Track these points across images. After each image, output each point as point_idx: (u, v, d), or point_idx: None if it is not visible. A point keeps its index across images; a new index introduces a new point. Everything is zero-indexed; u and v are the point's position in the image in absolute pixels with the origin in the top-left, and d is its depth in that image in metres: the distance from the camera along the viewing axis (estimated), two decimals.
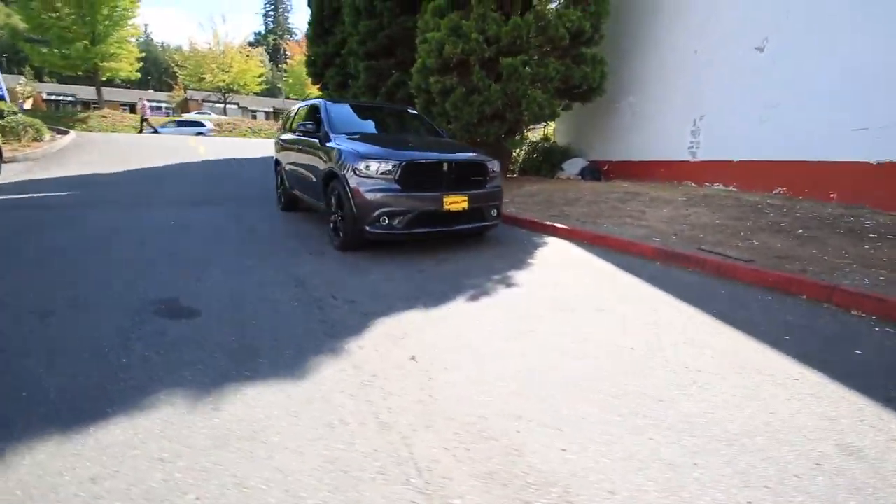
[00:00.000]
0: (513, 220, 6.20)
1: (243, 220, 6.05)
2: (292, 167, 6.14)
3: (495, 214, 4.78)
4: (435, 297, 3.28)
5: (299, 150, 5.77)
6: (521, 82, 8.16)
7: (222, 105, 38.67)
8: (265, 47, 41.50)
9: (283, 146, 6.64)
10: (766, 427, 1.81)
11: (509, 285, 3.60)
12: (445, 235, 4.63)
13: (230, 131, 30.31)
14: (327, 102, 5.54)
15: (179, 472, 1.50)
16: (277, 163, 7.06)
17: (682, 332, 2.74)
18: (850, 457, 1.64)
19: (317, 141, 5.14)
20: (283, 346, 2.44)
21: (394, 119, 5.95)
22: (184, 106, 42.09)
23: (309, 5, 15.82)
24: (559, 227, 5.48)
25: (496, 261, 4.31)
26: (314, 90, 43.06)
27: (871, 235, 4.48)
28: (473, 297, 3.30)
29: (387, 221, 4.13)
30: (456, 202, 4.30)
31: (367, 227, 4.15)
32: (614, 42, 9.45)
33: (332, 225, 4.73)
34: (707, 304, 3.19)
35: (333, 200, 4.60)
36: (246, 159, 14.20)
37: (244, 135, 30.35)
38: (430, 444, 1.68)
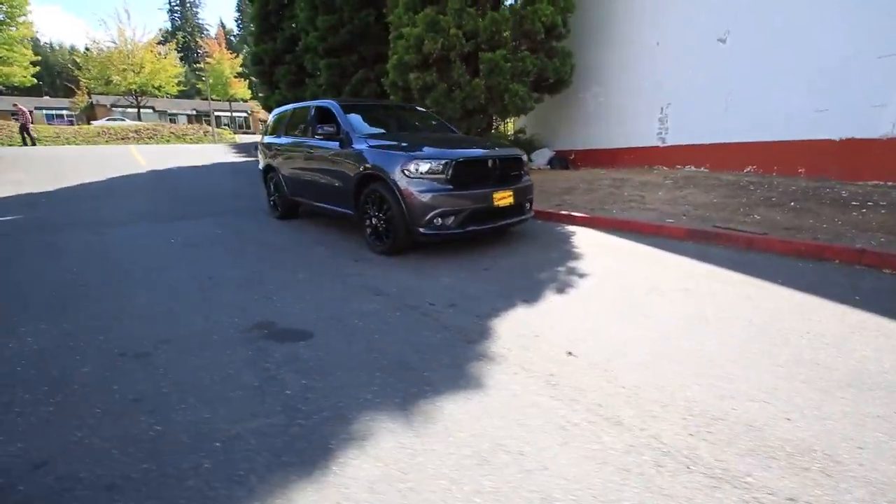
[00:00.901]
0: None
1: (245, 232, 5.63)
2: (296, 173, 5.80)
3: (529, 207, 4.86)
4: (524, 292, 3.30)
5: (308, 157, 5.46)
6: (503, 76, 8.29)
7: (136, 109, 35.20)
8: (175, 45, 38.20)
9: (277, 152, 6.24)
10: None
11: (581, 275, 3.71)
12: (493, 232, 4.63)
13: (150, 138, 27.78)
14: (338, 104, 5.29)
15: (476, 497, 1.42)
16: (269, 170, 6.62)
17: (777, 303, 3.00)
18: None
19: (336, 145, 4.91)
20: (431, 357, 2.35)
21: (405, 117, 5.80)
22: (90, 112, 37.75)
23: (250, 0, 14.85)
24: (577, 216, 5.69)
25: (547, 253, 4.40)
26: (240, 90, 40.63)
27: (854, 203, 5.14)
28: (560, 289, 3.37)
29: (440, 222, 4.06)
30: (504, 198, 4.33)
31: (421, 229, 4.06)
32: (578, 35, 9.86)
33: (369, 230, 4.56)
34: (771, 276, 3.50)
35: (371, 205, 4.44)
36: (193, 168, 13.11)
37: (167, 141, 27.93)
38: (671, 431, 1.73)
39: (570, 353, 2.36)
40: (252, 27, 14.74)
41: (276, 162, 6.31)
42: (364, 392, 2.01)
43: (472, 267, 3.98)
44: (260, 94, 15.15)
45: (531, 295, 3.26)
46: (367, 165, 4.38)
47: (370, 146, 4.50)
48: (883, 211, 4.82)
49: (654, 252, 4.35)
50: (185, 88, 41.31)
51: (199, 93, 45.10)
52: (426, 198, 4.00)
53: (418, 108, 6.30)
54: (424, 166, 4.03)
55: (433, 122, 5.86)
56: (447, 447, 1.66)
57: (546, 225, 5.76)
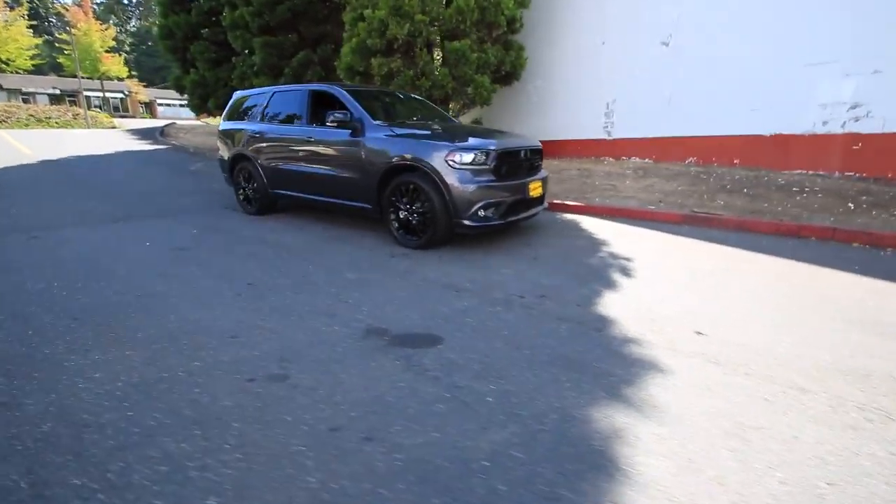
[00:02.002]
0: None
1: (230, 231, 5.00)
2: (281, 165, 5.26)
3: (544, 197, 5.00)
4: (593, 278, 3.43)
5: (302, 146, 4.98)
6: (469, 67, 8.30)
7: None
8: (22, 12, 31.82)
9: (251, 141, 5.58)
10: None
11: (626, 258, 3.93)
12: (519, 222, 4.66)
13: (3, 121, 22.97)
14: (343, 89, 4.88)
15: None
16: (238, 160, 5.90)
17: (807, 275, 3.49)
18: None
19: (345, 134, 4.56)
20: (584, 349, 2.35)
21: (408, 106, 5.53)
22: None
23: None
24: (572, 205, 5.98)
25: (572, 241, 4.58)
26: (114, 66, 35.06)
27: (794, 189, 6.10)
28: (622, 273, 3.55)
29: (484, 213, 4.01)
30: (536, 188, 4.40)
31: (467, 221, 3.97)
32: (528, 29, 10.20)
33: (395, 225, 4.34)
34: (781, 253, 4.05)
35: (399, 198, 4.23)
36: (96, 157, 11.18)
37: (26, 125, 23.37)
38: (856, 389, 1.96)
39: (698, 333, 2.53)
40: None
41: (248, 151, 5.64)
42: (563, 391, 1.96)
43: (519, 257, 4.01)
44: (174, 74, 13.25)
45: (601, 280, 3.39)
46: (401, 156, 4.14)
47: (396, 134, 4.26)
48: (819, 195, 5.80)
49: (665, 236, 4.75)
50: (41, 63, 34.73)
51: (58, 69, 38.08)
52: (472, 188, 3.91)
53: (414, 95, 6.05)
54: (469, 157, 3.93)
55: (432, 111, 5.69)
56: (694, 430, 1.70)
57: (544, 214, 5.96)
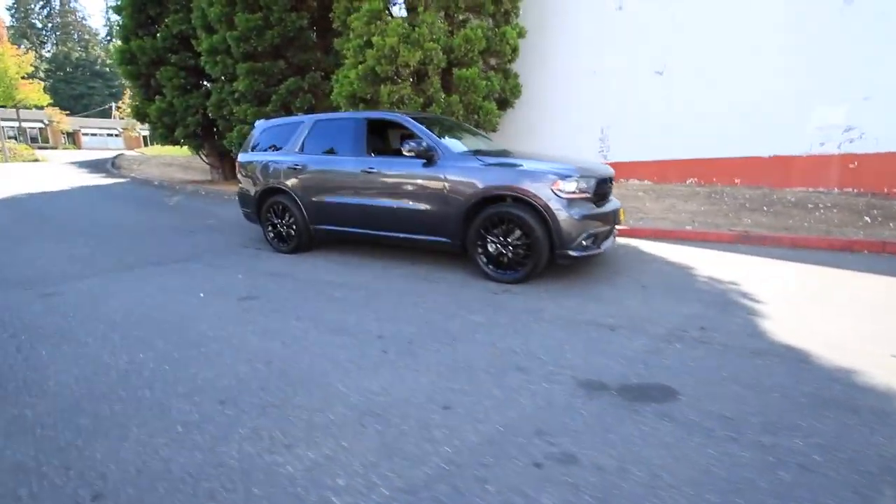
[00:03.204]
0: None
1: (284, 275, 4.48)
2: (334, 199, 4.83)
3: None
4: (732, 308, 3.32)
5: (364, 178, 4.60)
6: (478, 94, 8.29)
7: None
8: None
9: (293, 173, 5.09)
10: None
11: (733, 282, 3.89)
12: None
13: None
14: (409, 117, 4.60)
15: None
16: (269, 194, 5.36)
17: None
18: None
19: (418, 164, 4.28)
20: (828, 392, 2.22)
21: (456, 131, 5.30)
22: None
23: None
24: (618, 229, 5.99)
25: (657, 266, 4.54)
26: (31, 93, 31.81)
27: (809, 206, 6.54)
28: (748, 297, 3.50)
29: (585, 242, 3.86)
30: (622, 213, 4.34)
31: (571, 251, 3.79)
32: (524, 57, 10.44)
33: (484, 259, 4.08)
34: (858, 267, 4.24)
35: (491, 230, 3.99)
36: (56, 194, 9.91)
37: None
38: None
39: (894, 356, 2.50)
40: (121, 19, 11.70)
41: (286, 184, 5.14)
42: (874, 434, 1.80)
43: (623, 286, 3.88)
44: (136, 102, 12.10)
45: (737, 307, 3.32)
46: (497, 186, 3.91)
47: (488, 164, 4.04)
48: (834, 210, 6.25)
49: (735, 257, 4.83)
50: None
51: None
52: (578, 218, 3.76)
53: (459, 121, 5.86)
54: (573, 185, 3.79)
55: (476, 135, 5.51)
56: None
57: None
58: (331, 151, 5.00)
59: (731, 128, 7.95)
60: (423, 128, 4.45)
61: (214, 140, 12.58)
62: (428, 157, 4.26)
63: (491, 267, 4.08)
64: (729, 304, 3.38)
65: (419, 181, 4.31)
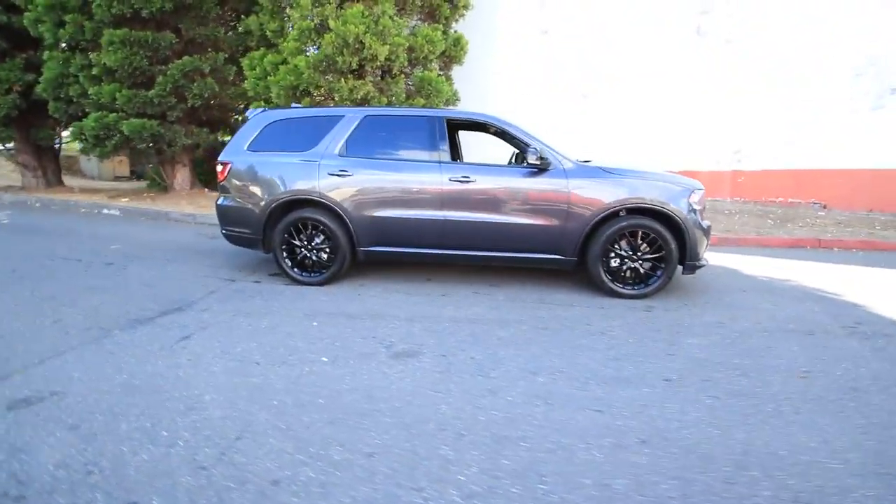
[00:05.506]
0: None
1: (371, 316, 3.42)
2: (401, 214, 3.90)
3: None
4: (851, 305, 3.79)
5: (451, 188, 3.82)
6: (440, 98, 7.82)
7: None
8: None
9: (339, 180, 3.91)
10: None
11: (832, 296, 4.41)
12: None
13: None
14: (501, 119, 3.99)
15: None
16: (289, 208, 4.02)
17: None
18: None
19: (524, 173, 3.84)
20: None
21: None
22: None
23: None
24: None
25: (715, 269, 4.92)
26: None
27: (726, 212, 8.03)
28: (855, 291, 4.08)
29: (703, 253, 3.96)
30: None
31: (700, 262, 3.84)
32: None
33: (609, 276, 3.82)
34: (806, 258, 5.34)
35: (618, 244, 3.77)
36: None
37: None
38: None
39: None
40: None
41: (330, 196, 3.91)
42: None
43: (725, 290, 4.10)
44: None
45: (857, 305, 3.75)
46: (631, 198, 3.69)
47: (615, 175, 3.80)
48: (746, 216, 7.82)
49: (830, 266, 5.14)
50: None
51: None
52: (703, 229, 3.84)
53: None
54: (699, 196, 3.85)
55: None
56: None
57: None
58: (393, 156, 4.02)
59: (648, 148, 9.24)
60: (523, 130, 3.95)
61: (29, 132, 8.98)
62: (535, 166, 3.80)
63: (619, 284, 3.84)
64: (843, 303, 3.87)
65: (534, 193, 3.80)
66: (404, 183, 3.93)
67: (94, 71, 7.46)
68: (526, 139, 3.91)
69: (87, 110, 7.79)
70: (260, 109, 4.33)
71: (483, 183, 3.86)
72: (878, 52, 7.83)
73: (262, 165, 4.09)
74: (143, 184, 11.63)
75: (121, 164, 14.50)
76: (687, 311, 3.56)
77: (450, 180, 3.86)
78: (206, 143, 8.67)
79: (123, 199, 8.56)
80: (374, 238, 4.00)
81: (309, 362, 2.56)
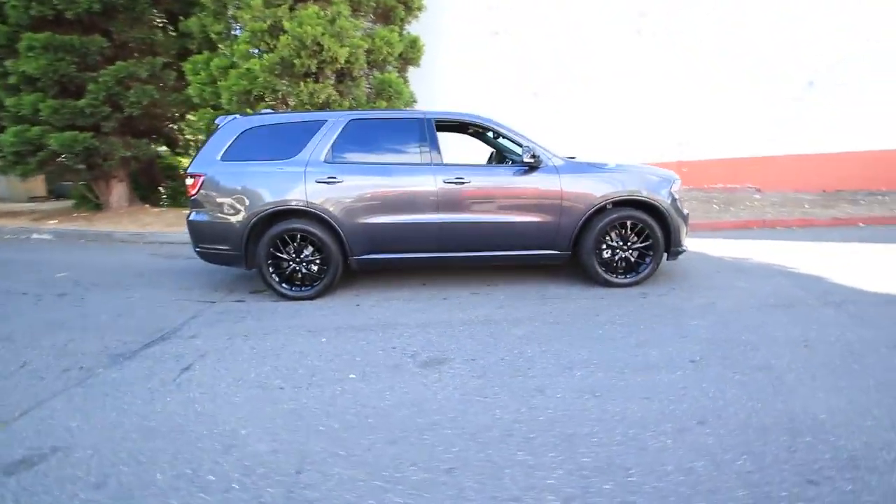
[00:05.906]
0: None
1: (383, 327, 3.30)
2: (394, 218, 3.79)
3: None
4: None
5: (452, 190, 3.77)
6: (401, 100, 7.72)
7: None
8: None
9: (327, 187, 3.73)
10: None
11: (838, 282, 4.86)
12: None
13: None
14: (490, 119, 4.00)
15: None
16: (273, 220, 3.78)
17: None
18: None
19: (518, 171, 3.89)
20: None
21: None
22: None
23: None
24: None
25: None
26: None
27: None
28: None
29: (683, 240, 4.19)
30: None
31: (681, 248, 4.06)
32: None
33: (602, 269, 3.95)
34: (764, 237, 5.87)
35: (609, 236, 3.92)
36: None
37: None
38: None
39: None
40: None
41: (318, 204, 3.73)
42: None
43: (725, 273, 4.38)
44: None
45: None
46: (621, 191, 3.84)
47: (603, 170, 3.94)
48: (694, 203, 8.41)
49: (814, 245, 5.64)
50: None
51: None
52: (683, 216, 4.07)
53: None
54: (678, 186, 4.08)
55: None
56: None
57: None
58: (383, 160, 3.90)
59: (601, 140, 9.70)
60: (517, 131, 3.99)
61: None
62: (527, 164, 3.85)
63: (612, 274, 3.98)
64: (872, 292, 4.25)
65: (529, 190, 3.84)
66: (397, 187, 3.83)
67: (11, 80, 6.62)
68: (517, 138, 3.95)
69: (3, 124, 6.89)
70: (231, 117, 4.02)
71: (478, 183, 3.85)
72: (798, 49, 8.74)
73: (240, 176, 3.81)
74: (67, 203, 10.49)
75: (35, 182, 12.98)
76: (677, 295, 3.76)
77: (444, 182, 3.81)
78: (146, 154, 7.97)
79: (52, 222, 7.66)
80: (367, 246, 3.87)
81: (337, 381, 2.42)
